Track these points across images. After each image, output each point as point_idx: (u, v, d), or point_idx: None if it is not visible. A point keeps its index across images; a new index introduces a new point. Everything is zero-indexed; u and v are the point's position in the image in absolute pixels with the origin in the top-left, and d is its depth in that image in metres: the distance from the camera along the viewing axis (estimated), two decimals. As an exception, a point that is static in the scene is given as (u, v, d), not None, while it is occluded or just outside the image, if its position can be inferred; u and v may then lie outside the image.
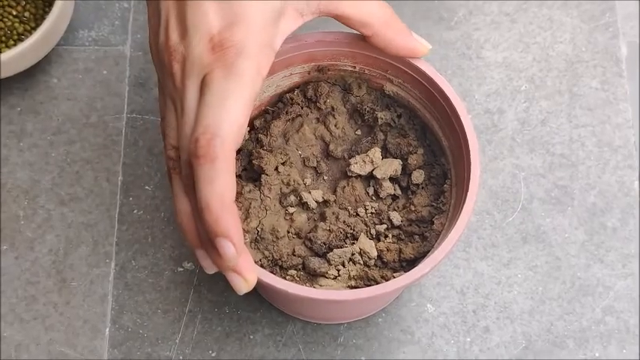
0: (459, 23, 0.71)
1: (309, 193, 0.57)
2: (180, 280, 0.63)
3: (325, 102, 0.58)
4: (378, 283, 0.54)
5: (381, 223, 0.56)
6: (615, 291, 0.63)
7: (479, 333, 0.62)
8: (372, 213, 0.57)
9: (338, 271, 0.54)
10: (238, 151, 0.58)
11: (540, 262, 0.64)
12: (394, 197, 0.58)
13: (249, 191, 0.56)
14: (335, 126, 0.58)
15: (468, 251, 0.64)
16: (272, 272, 0.55)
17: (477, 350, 0.62)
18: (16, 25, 0.65)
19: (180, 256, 0.64)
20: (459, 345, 0.62)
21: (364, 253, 0.55)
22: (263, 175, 0.56)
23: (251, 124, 0.59)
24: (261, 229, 0.56)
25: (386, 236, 0.56)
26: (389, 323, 0.62)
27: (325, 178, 0.58)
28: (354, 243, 0.55)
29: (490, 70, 0.69)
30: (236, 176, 0.58)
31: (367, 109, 0.58)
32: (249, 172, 0.58)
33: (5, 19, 0.65)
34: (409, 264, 0.55)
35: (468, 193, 0.52)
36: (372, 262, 0.55)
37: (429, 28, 0.70)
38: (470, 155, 0.53)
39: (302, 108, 0.59)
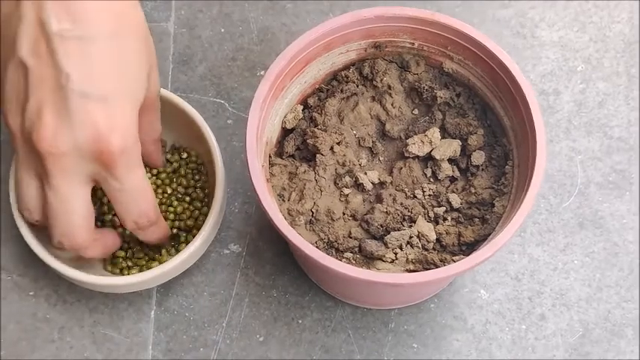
0: (514, 1, 0.68)
1: (365, 174, 0.55)
2: (226, 262, 0.62)
3: (382, 80, 0.56)
4: (437, 266, 0.52)
5: (440, 206, 0.55)
6: (674, 279, 0.61)
7: (534, 320, 0.60)
8: (429, 195, 0.55)
9: (395, 254, 0.53)
10: (291, 130, 0.57)
11: (597, 248, 0.62)
12: (452, 179, 0.56)
13: (304, 172, 0.55)
14: (391, 105, 0.56)
15: (523, 236, 0.62)
16: (328, 255, 0.53)
17: (533, 338, 0.60)
18: None
19: (226, 238, 0.62)
20: (514, 332, 0.60)
21: (422, 236, 0.53)
22: (318, 155, 0.55)
23: (304, 103, 0.57)
24: (316, 210, 0.54)
25: (444, 219, 0.54)
26: (441, 309, 0.60)
27: (381, 158, 0.57)
28: (411, 226, 0.54)
29: (545, 50, 0.67)
30: (289, 156, 0.56)
31: (425, 87, 0.56)
32: (303, 151, 0.56)
33: None
34: (468, 247, 0.53)
35: (534, 175, 0.50)
36: (431, 245, 0.53)
37: (483, 5, 0.68)
38: (536, 135, 0.51)
39: (357, 86, 0.57)
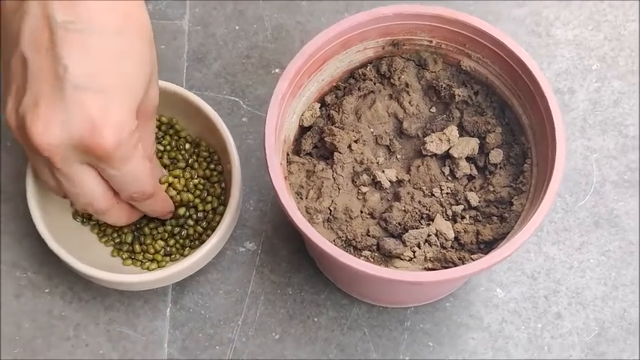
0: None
1: (383, 172, 0.55)
2: (242, 260, 0.62)
3: (399, 78, 0.56)
4: (455, 265, 0.52)
5: (458, 204, 0.54)
6: (689, 278, 0.61)
7: (550, 319, 0.60)
8: (447, 193, 0.55)
9: (413, 252, 0.53)
10: (308, 128, 0.57)
11: (613, 246, 0.62)
12: (470, 177, 0.56)
13: (322, 170, 0.55)
14: (409, 103, 0.56)
15: (539, 235, 0.62)
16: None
17: (549, 337, 0.60)
18: None
19: (241, 236, 0.62)
20: (530, 331, 0.60)
21: (441, 234, 0.53)
22: (336, 153, 0.55)
23: (322, 100, 0.57)
24: (334, 208, 0.54)
25: (463, 217, 0.54)
26: (457, 308, 0.60)
27: (398, 156, 0.56)
28: (429, 224, 0.54)
29: (560, 49, 0.67)
30: (306, 154, 0.56)
31: (443, 85, 0.56)
32: (321, 149, 0.56)
33: None
34: (487, 246, 0.53)
35: (554, 173, 0.50)
36: (449, 243, 0.53)
37: (498, 4, 0.68)
38: (555, 134, 0.51)
39: (375, 84, 0.57)
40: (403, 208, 0.54)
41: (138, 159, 0.49)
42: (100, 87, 0.45)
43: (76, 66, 0.45)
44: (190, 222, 0.59)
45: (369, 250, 0.53)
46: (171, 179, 0.58)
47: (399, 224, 0.54)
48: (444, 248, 0.53)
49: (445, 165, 0.56)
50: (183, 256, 0.59)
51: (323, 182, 0.54)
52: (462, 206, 0.54)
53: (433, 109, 0.57)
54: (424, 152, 0.55)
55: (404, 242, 0.53)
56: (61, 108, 0.45)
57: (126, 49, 0.47)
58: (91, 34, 0.45)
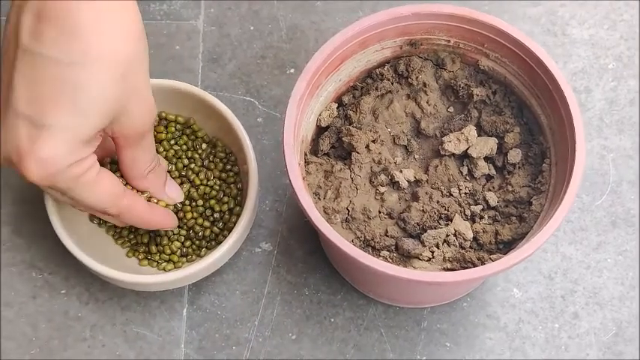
0: (544, -1, 0.68)
1: (401, 172, 0.55)
2: (257, 260, 0.61)
3: (417, 77, 0.56)
4: (474, 265, 0.52)
5: (476, 204, 0.54)
6: None
7: (567, 319, 0.60)
8: (465, 193, 0.55)
9: (432, 252, 0.53)
10: (325, 128, 0.57)
11: (630, 246, 0.62)
12: (488, 177, 0.56)
13: (340, 170, 0.54)
14: (427, 103, 0.56)
15: (556, 235, 0.62)
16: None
17: (566, 337, 0.60)
18: None
19: (257, 237, 0.62)
20: (547, 331, 0.60)
21: (459, 234, 0.53)
22: (354, 153, 0.55)
23: (339, 100, 0.57)
24: (352, 208, 0.54)
25: (481, 217, 0.54)
26: (474, 308, 0.60)
27: (416, 156, 0.56)
28: (448, 224, 0.54)
29: (576, 48, 0.67)
30: (324, 154, 0.56)
31: (461, 85, 0.56)
32: (338, 149, 0.56)
33: None
34: (506, 246, 0.53)
35: (574, 173, 0.50)
36: (468, 243, 0.53)
37: (512, 3, 0.68)
38: (575, 134, 0.51)
39: (392, 84, 0.56)
40: (421, 208, 0.54)
41: (84, 187, 0.47)
42: (38, 118, 0.44)
43: (21, 92, 0.44)
44: (207, 223, 0.59)
45: (388, 251, 0.53)
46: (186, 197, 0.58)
47: (418, 224, 0.53)
48: (463, 248, 0.53)
49: (463, 165, 0.55)
50: (199, 256, 0.58)
51: (341, 182, 0.54)
52: (481, 206, 0.54)
53: (451, 109, 0.57)
54: (442, 152, 0.55)
55: (422, 242, 0.53)
56: (2, 127, 0.45)
57: (83, 81, 0.44)
58: (49, 63, 0.43)
